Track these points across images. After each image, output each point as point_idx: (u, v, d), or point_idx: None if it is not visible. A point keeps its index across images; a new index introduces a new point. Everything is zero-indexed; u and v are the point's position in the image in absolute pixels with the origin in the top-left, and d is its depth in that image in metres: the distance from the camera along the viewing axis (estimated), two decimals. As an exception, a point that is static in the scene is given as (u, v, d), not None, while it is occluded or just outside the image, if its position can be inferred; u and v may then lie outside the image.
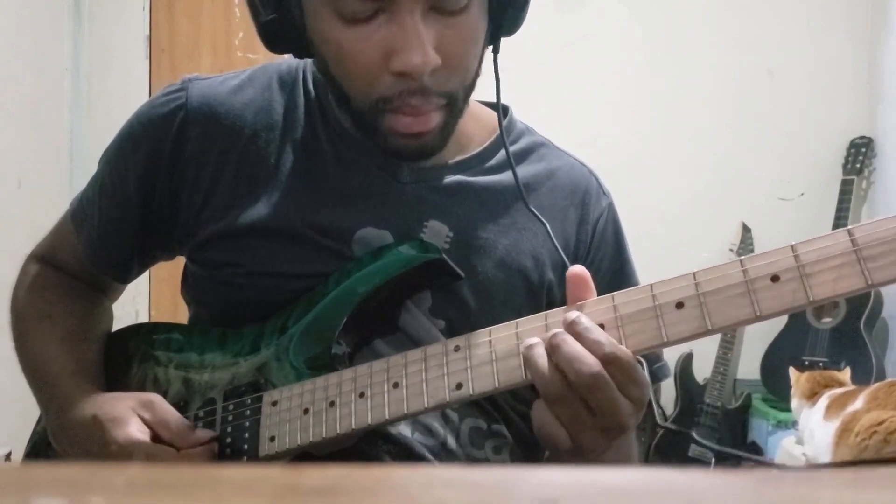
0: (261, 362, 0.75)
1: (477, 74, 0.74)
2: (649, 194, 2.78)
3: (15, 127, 2.55)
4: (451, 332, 0.76)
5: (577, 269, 0.64)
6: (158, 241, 0.84)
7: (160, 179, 0.79)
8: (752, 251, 2.76)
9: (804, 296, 0.56)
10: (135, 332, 0.86)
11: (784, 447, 2.14)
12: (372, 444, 0.72)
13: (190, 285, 0.85)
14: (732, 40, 2.89)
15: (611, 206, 0.86)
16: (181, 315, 0.89)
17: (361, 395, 0.68)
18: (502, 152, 0.81)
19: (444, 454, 0.75)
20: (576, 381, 0.59)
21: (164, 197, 0.80)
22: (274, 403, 0.72)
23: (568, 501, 0.23)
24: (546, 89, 2.81)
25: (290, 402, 0.71)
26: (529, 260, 0.79)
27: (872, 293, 2.46)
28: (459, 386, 0.64)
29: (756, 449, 2.62)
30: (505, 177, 0.80)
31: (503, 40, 0.76)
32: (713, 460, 2.60)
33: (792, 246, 0.57)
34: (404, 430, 0.74)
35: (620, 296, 0.62)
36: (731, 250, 2.81)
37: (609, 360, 0.59)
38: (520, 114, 0.88)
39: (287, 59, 0.79)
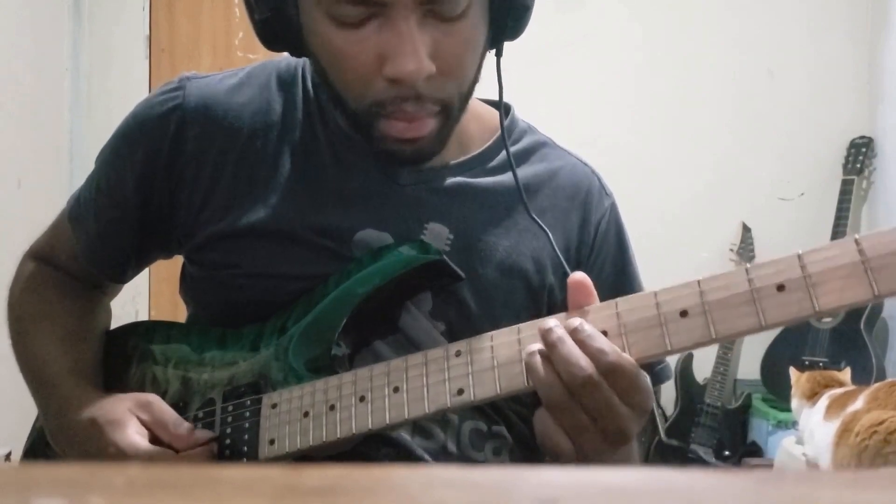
0: (260, 363, 0.74)
1: (475, 80, 0.73)
2: (649, 194, 2.78)
3: (15, 127, 2.55)
4: (451, 334, 0.75)
5: (579, 276, 0.64)
6: (157, 241, 0.84)
7: (158, 179, 0.79)
8: (752, 251, 2.77)
9: (810, 306, 0.55)
10: (133, 331, 0.85)
11: (784, 447, 2.14)
12: (371, 447, 0.72)
13: (188, 285, 0.84)
14: (732, 40, 2.89)
15: (613, 207, 0.85)
16: (181, 315, 0.89)
17: (362, 398, 0.67)
18: (504, 153, 0.80)
19: (443, 457, 0.75)
20: (568, 383, 0.59)
21: (163, 197, 0.79)
22: (274, 406, 0.72)
23: (568, 501, 0.23)
24: (546, 89, 2.81)
25: (289, 405, 0.70)
26: (530, 262, 0.79)
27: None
28: (461, 391, 0.64)
29: (756, 449, 2.62)
30: (506, 178, 0.79)
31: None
32: (713, 460, 2.61)
33: (798, 255, 0.56)
34: (404, 433, 0.74)
35: (624, 302, 0.61)
36: (731, 250, 2.81)
37: (613, 369, 0.58)
38: (520, 114, 0.87)
39: (286, 56, 0.78)
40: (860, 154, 2.73)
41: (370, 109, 0.69)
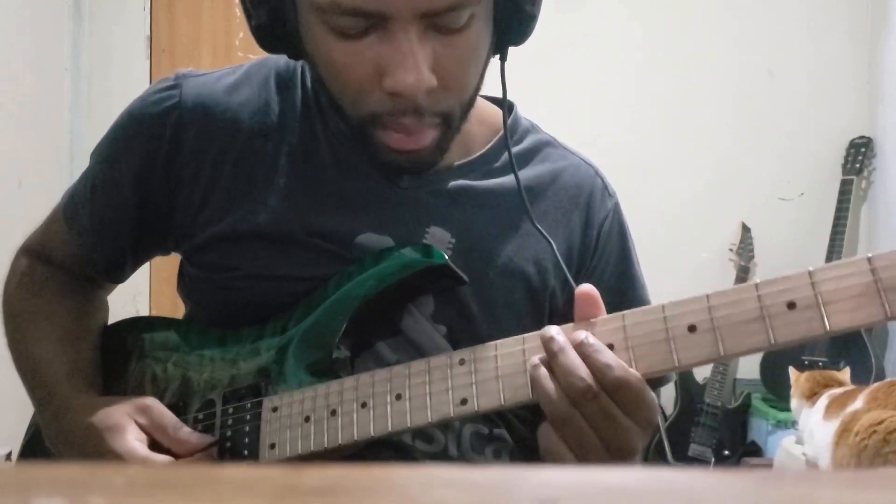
0: (260, 365, 0.74)
1: (478, 89, 0.72)
2: (649, 194, 2.78)
3: (15, 127, 2.55)
4: (452, 336, 0.75)
5: (586, 288, 0.63)
6: (154, 240, 0.83)
7: (156, 179, 0.78)
8: (751, 251, 2.77)
9: (821, 325, 0.54)
10: (132, 326, 0.84)
11: (784, 447, 2.14)
12: (372, 451, 0.71)
13: (186, 285, 0.83)
14: (732, 40, 2.89)
15: (616, 207, 0.84)
16: (181, 314, 0.88)
17: (363, 405, 0.67)
18: (506, 154, 0.79)
19: (444, 461, 0.74)
20: (569, 393, 0.58)
21: (162, 197, 0.79)
22: (274, 409, 0.71)
23: (568, 501, 0.23)
24: (546, 89, 2.80)
25: (290, 409, 0.70)
26: (532, 266, 0.78)
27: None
28: (464, 401, 0.63)
29: (756, 449, 2.62)
30: (509, 179, 0.78)
31: None
32: (713, 460, 2.61)
33: (809, 272, 0.55)
34: (405, 436, 0.73)
35: (631, 316, 0.61)
36: (731, 250, 2.80)
37: (619, 385, 0.58)
38: (522, 112, 0.87)
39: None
40: (860, 154, 2.73)
41: (367, 119, 0.68)
